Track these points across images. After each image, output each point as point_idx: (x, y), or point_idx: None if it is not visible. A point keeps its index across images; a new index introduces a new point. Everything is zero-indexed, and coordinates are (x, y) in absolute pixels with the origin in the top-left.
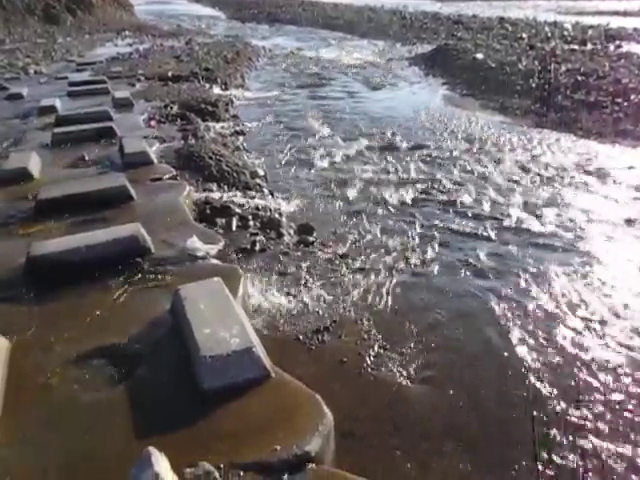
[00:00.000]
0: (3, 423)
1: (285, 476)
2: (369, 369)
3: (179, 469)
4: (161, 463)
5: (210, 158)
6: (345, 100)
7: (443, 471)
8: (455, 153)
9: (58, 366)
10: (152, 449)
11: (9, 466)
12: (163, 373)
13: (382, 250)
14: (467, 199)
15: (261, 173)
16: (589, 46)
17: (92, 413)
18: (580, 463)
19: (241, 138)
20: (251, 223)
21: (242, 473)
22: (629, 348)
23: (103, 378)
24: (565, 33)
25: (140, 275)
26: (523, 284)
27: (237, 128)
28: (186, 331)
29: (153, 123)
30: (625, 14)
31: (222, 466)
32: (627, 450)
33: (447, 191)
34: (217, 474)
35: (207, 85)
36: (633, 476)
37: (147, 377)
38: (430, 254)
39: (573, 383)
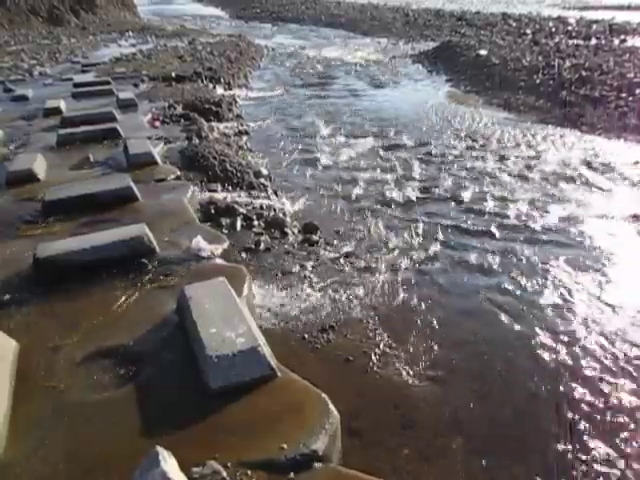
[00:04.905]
0: (12, 422)
1: (292, 474)
2: (375, 368)
3: (187, 468)
4: (169, 462)
5: (214, 158)
6: (349, 99)
7: (449, 469)
8: (459, 150)
9: (65, 366)
10: (159, 448)
11: (16, 464)
12: (169, 372)
13: (386, 248)
14: (471, 196)
15: (265, 173)
16: (593, 41)
17: (99, 412)
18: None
19: (245, 138)
20: (255, 223)
21: (249, 472)
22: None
23: (109, 378)
24: (569, 28)
25: (145, 275)
26: (527, 281)
27: (241, 128)
28: (192, 331)
29: (157, 124)
30: (630, 8)
31: (229, 465)
32: None
33: (451, 188)
34: (224, 473)
35: (210, 85)
36: None
37: (153, 376)
38: (434, 252)
39: (573, 380)
